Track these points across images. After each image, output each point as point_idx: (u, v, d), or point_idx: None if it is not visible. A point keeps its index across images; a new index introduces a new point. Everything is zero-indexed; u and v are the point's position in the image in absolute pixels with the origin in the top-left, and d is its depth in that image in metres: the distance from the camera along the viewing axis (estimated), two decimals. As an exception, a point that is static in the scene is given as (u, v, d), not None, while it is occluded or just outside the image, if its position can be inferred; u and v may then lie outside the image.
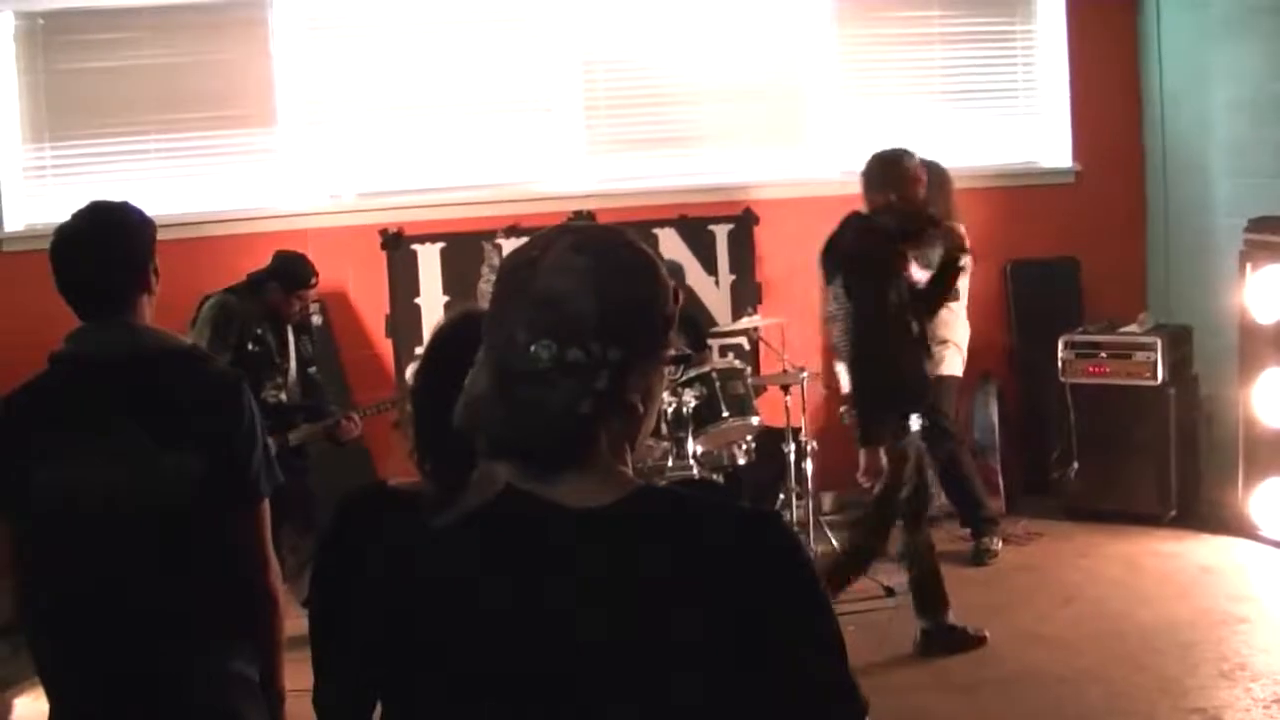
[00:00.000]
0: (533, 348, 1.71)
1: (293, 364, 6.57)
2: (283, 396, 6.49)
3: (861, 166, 6.21)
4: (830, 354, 8.08)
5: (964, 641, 6.09)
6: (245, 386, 3.09)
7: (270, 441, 3.14)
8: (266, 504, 3.08)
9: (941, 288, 6.25)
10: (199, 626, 2.96)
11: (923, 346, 6.15)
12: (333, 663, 2.48)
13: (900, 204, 6.03)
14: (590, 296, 1.72)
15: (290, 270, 6.50)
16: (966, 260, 6.53)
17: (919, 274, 6.83)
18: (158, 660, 2.93)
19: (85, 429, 2.91)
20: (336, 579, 2.46)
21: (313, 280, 6.52)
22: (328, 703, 2.47)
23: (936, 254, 6.31)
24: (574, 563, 1.73)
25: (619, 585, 1.72)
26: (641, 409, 1.81)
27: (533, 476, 1.76)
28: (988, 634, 6.14)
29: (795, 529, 6.99)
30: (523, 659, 1.71)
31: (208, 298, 6.40)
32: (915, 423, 6.07)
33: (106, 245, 3.03)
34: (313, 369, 6.74)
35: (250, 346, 6.34)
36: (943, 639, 6.07)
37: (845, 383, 6.43)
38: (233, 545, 3.00)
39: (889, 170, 6.08)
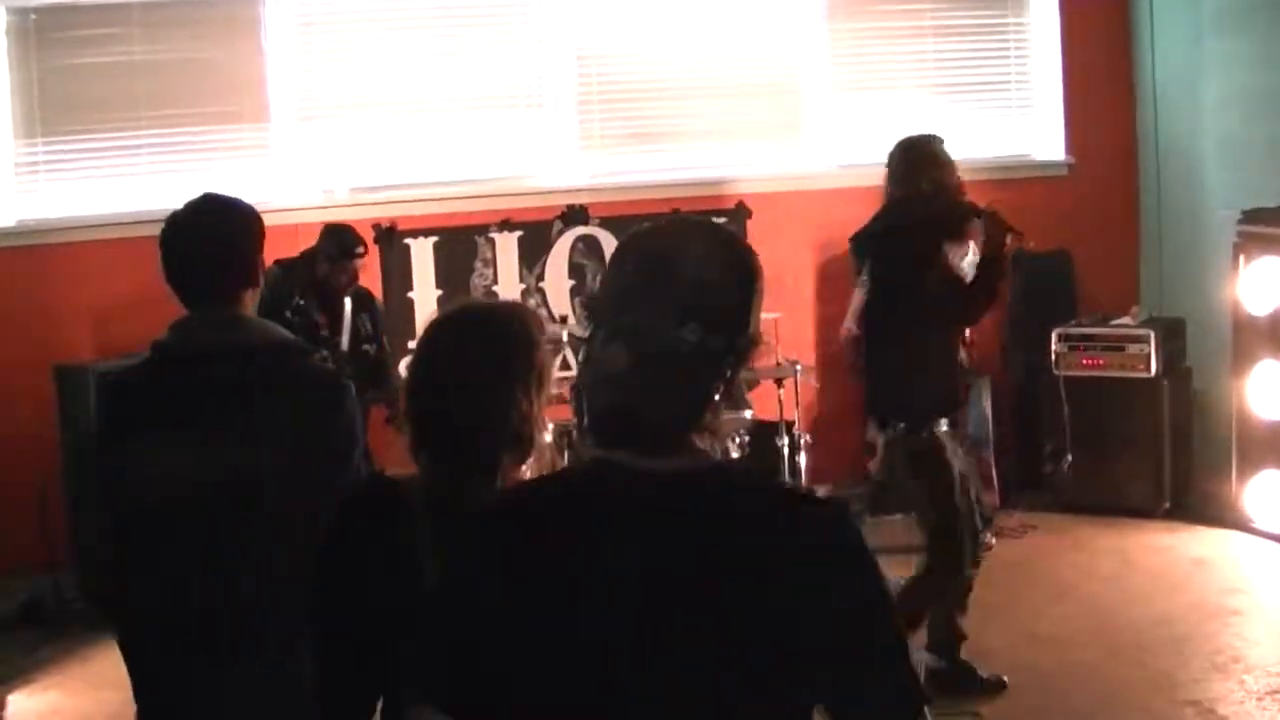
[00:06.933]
0: (681, 331, 1.78)
1: (345, 337, 6.54)
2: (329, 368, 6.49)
3: (878, 157, 5.66)
4: (829, 347, 8.10)
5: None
6: (348, 385, 3.10)
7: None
8: None
9: (986, 284, 5.35)
10: (268, 623, 2.91)
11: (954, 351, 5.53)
12: (334, 654, 2.48)
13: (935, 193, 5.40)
14: (736, 290, 1.83)
15: (333, 240, 6.62)
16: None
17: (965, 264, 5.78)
18: (231, 653, 2.90)
19: (180, 418, 2.91)
20: (345, 574, 2.49)
21: (357, 249, 6.60)
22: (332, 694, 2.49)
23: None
24: (663, 521, 1.78)
25: (704, 547, 1.77)
26: None
27: (635, 453, 1.82)
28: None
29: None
30: (609, 622, 1.77)
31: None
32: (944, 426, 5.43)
33: (215, 237, 3.04)
34: (368, 346, 6.71)
35: (287, 315, 6.36)
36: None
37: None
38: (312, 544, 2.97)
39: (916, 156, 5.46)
